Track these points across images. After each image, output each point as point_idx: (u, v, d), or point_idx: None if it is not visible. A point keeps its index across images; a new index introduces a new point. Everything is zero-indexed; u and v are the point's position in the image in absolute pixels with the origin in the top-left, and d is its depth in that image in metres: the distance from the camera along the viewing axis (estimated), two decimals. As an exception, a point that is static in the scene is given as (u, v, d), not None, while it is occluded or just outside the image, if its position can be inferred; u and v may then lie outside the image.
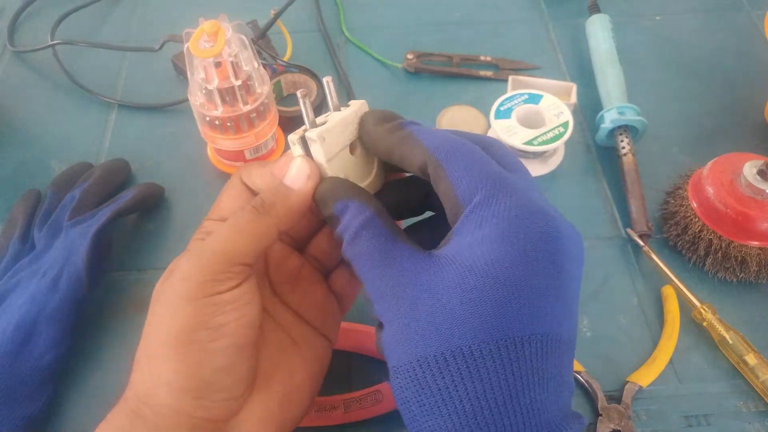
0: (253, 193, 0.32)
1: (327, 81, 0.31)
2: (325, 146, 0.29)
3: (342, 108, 0.31)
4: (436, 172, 0.27)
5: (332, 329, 0.35)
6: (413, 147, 0.28)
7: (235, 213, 0.29)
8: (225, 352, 0.27)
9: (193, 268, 0.27)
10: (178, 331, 0.27)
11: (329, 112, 0.31)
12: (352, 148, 0.31)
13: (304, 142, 0.29)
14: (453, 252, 0.26)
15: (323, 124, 0.29)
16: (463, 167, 0.26)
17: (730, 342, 0.40)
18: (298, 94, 0.29)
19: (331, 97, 0.31)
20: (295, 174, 0.30)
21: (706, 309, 0.42)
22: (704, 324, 0.42)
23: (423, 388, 0.25)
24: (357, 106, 0.31)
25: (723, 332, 0.41)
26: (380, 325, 0.27)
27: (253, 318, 0.29)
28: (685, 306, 0.43)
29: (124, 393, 0.28)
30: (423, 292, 0.25)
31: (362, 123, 0.30)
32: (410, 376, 0.25)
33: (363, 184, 0.31)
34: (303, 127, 0.30)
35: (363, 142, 0.31)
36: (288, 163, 0.30)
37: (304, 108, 0.29)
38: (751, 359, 0.40)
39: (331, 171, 0.30)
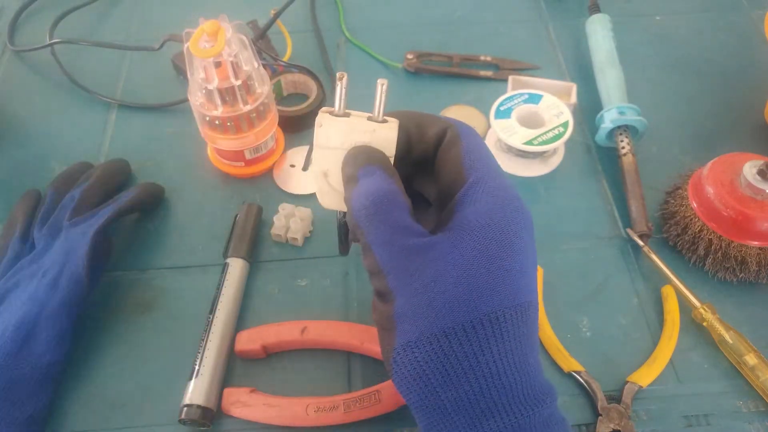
0: None
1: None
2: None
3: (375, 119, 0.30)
4: (453, 139, 0.30)
5: None
6: (435, 118, 0.32)
7: None
8: None
9: None
10: None
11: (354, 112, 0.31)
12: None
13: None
14: (468, 220, 0.27)
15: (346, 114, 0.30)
16: (474, 143, 0.30)
17: (730, 342, 0.40)
18: (337, 76, 0.29)
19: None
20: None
21: (706, 309, 0.42)
22: (704, 324, 0.42)
23: (449, 358, 0.25)
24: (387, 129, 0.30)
25: (723, 332, 0.41)
26: (385, 297, 0.27)
27: None
28: (685, 306, 0.43)
29: None
30: (448, 265, 0.26)
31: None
32: (433, 348, 0.26)
33: None
34: (329, 108, 0.30)
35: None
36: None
37: (339, 92, 0.29)
38: (751, 359, 0.40)
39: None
